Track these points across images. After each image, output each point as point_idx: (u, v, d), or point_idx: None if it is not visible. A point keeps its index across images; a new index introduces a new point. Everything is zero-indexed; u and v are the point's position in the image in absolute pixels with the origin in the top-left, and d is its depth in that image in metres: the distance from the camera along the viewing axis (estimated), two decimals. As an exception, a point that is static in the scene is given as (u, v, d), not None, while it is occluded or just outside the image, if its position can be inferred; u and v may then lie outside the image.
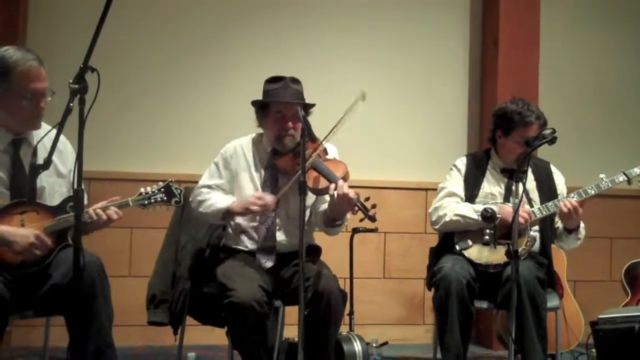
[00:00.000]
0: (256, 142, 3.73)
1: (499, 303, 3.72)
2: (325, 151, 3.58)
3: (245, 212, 3.46)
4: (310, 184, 3.35)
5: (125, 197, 3.12)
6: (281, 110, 3.54)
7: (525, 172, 3.50)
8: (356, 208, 3.31)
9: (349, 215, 3.53)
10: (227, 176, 3.66)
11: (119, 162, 5.00)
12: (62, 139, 3.04)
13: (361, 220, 3.36)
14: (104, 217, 3.03)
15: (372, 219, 3.33)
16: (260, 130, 3.74)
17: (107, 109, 4.65)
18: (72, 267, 2.52)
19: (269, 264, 3.51)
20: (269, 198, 3.41)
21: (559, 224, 3.94)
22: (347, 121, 3.38)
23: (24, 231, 2.94)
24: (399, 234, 5.39)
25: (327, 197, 3.49)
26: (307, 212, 3.63)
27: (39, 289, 3.00)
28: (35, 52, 3.04)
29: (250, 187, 3.60)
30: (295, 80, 3.60)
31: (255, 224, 3.57)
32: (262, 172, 3.64)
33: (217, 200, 3.55)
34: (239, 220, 3.58)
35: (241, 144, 3.73)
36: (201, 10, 5.23)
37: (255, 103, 3.64)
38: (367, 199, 3.34)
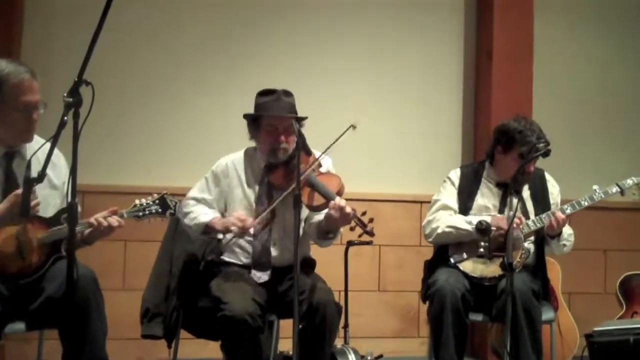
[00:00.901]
0: (249, 157, 3.72)
1: (494, 316, 3.71)
2: (319, 164, 3.58)
3: (224, 231, 3.44)
4: (305, 200, 3.35)
5: (119, 210, 3.12)
6: (273, 123, 3.53)
7: (521, 185, 3.51)
8: (353, 223, 3.31)
9: (342, 229, 3.53)
10: (216, 193, 3.65)
11: (113, 175, 4.98)
12: (56, 151, 3.02)
13: (360, 235, 3.35)
14: (105, 223, 3.03)
15: (371, 233, 3.33)
16: (253, 144, 3.74)
17: (101, 122, 4.65)
18: (66, 280, 2.51)
19: (264, 278, 3.51)
20: (249, 221, 3.39)
21: None
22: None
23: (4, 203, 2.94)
24: (394, 247, 5.39)
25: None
26: (302, 224, 3.62)
27: (33, 302, 2.98)
28: (27, 65, 3.06)
29: (244, 204, 3.60)
30: (288, 93, 3.59)
31: (250, 238, 3.56)
32: (256, 188, 3.63)
33: (200, 214, 3.53)
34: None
35: (233, 160, 3.72)
36: (194, 24, 5.23)
37: (247, 116, 3.63)
38: (364, 213, 3.34)
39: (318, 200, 3.39)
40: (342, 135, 3.35)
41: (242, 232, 3.39)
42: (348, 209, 3.28)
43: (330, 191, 3.37)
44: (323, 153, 3.43)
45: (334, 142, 3.36)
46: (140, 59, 5.14)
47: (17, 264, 2.96)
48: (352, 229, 3.35)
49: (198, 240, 3.74)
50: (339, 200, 3.30)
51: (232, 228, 3.36)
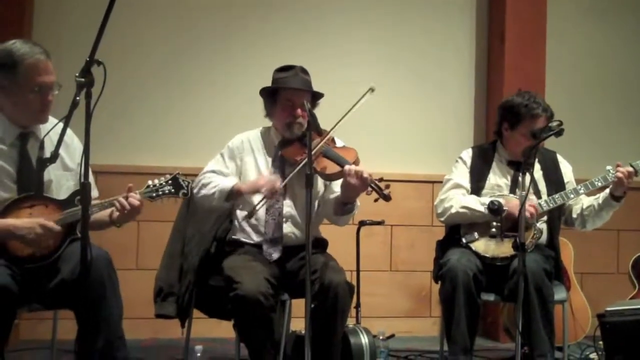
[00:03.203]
0: (264, 135, 3.74)
1: (506, 296, 3.71)
2: (333, 141, 3.60)
3: (253, 191, 3.43)
4: (319, 169, 3.37)
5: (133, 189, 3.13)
6: (290, 97, 3.55)
7: (532, 164, 3.50)
8: (370, 188, 3.31)
9: (358, 202, 3.53)
10: (232, 167, 3.66)
11: (125, 156, 5.01)
12: (69, 132, 3.05)
13: (376, 200, 3.35)
14: (127, 206, 3.04)
15: (387, 197, 3.32)
16: (268, 124, 3.75)
17: (114, 102, 4.66)
18: (80, 261, 2.52)
19: (275, 255, 3.52)
20: (279, 182, 3.38)
21: (578, 206, 3.94)
22: (353, 112, 3.38)
23: (28, 223, 2.94)
24: (406, 227, 5.39)
25: (336, 188, 3.51)
26: (316, 204, 3.63)
27: (48, 283, 3.01)
28: (42, 46, 3.05)
29: (259, 175, 3.60)
30: (305, 71, 3.63)
31: (261, 216, 3.57)
32: (269, 162, 3.64)
33: (221, 181, 3.53)
34: (245, 213, 3.58)
35: (248, 136, 3.74)
36: (208, 3, 5.23)
37: (264, 91, 3.64)
38: (381, 179, 3.34)
39: (333, 168, 3.39)
40: (362, 97, 3.36)
41: (272, 193, 3.38)
42: (365, 174, 3.28)
43: (345, 159, 3.38)
44: (333, 128, 3.43)
45: (354, 105, 3.36)
46: (152, 39, 5.15)
47: (32, 247, 2.97)
48: (368, 193, 3.34)
49: (210, 219, 3.75)
50: (352, 166, 3.30)
51: (262, 190, 3.36)
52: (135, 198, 3.06)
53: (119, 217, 3.10)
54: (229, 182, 3.50)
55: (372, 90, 3.40)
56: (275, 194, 3.41)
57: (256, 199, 3.46)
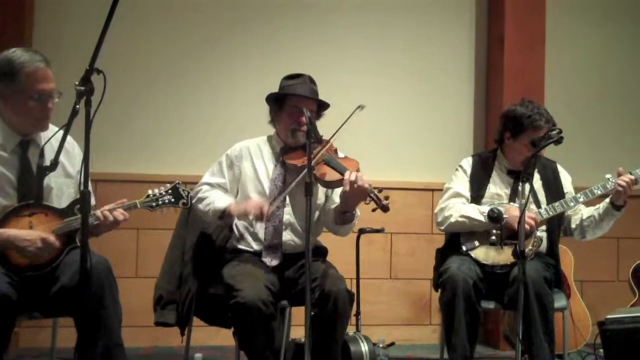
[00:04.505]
0: (265, 142, 3.75)
1: (506, 303, 3.71)
2: (336, 151, 3.60)
3: (243, 215, 3.45)
4: (320, 175, 3.38)
5: (132, 199, 3.14)
6: (298, 104, 3.55)
7: (532, 174, 3.50)
8: (369, 198, 3.31)
9: (359, 212, 3.53)
10: (230, 176, 3.67)
11: (125, 164, 5.00)
12: (70, 139, 3.07)
13: (374, 210, 3.35)
14: (111, 218, 3.04)
15: (385, 208, 3.33)
16: (268, 133, 3.75)
17: (113, 110, 4.66)
18: (79, 269, 2.52)
19: (274, 262, 3.52)
20: (266, 208, 3.38)
21: (577, 217, 3.94)
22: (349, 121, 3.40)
23: (30, 235, 2.95)
24: (406, 235, 5.39)
25: (336, 198, 3.51)
26: (317, 213, 3.64)
27: (47, 291, 3.01)
28: (42, 54, 3.06)
29: (257, 188, 3.61)
30: (313, 81, 3.66)
31: (261, 224, 3.57)
32: (270, 171, 3.64)
33: (216, 199, 3.54)
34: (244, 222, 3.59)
35: (248, 144, 3.74)
36: (208, 11, 5.23)
37: (271, 96, 3.66)
38: (380, 190, 3.34)
39: (333, 175, 3.40)
40: (350, 116, 3.37)
41: (259, 218, 3.39)
42: (365, 183, 3.28)
43: (347, 168, 3.39)
44: (332, 136, 3.44)
45: (343, 124, 3.37)
46: (151, 47, 5.15)
47: (31, 257, 2.97)
48: (367, 202, 3.35)
49: (210, 227, 3.75)
50: (352, 175, 3.30)
51: (250, 216, 3.37)
52: (121, 213, 3.07)
53: (97, 228, 3.08)
54: (222, 203, 3.51)
55: (361, 108, 3.41)
56: (263, 218, 3.41)
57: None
